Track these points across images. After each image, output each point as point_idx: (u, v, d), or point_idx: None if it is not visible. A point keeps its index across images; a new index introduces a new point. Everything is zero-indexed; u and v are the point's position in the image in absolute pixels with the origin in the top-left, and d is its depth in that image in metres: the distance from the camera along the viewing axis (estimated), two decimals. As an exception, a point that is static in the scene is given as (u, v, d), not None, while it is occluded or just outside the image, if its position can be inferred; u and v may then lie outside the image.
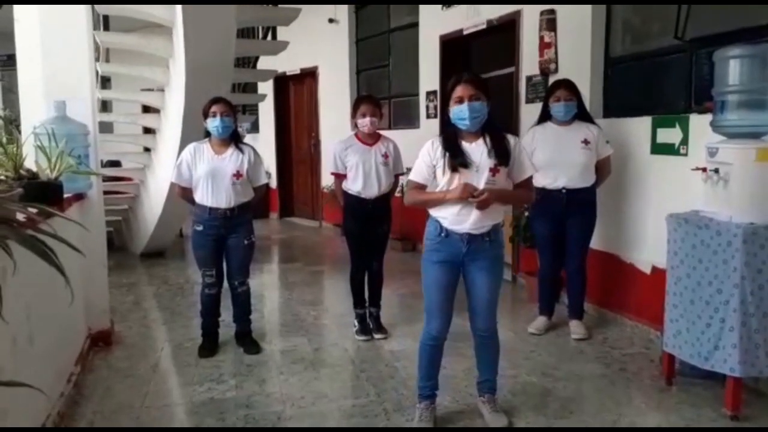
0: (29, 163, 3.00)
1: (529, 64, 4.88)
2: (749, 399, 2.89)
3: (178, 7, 4.41)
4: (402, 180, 4.49)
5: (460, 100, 2.51)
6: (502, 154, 2.54)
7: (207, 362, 3.57)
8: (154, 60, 5.66)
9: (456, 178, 2.53)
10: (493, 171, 2.52)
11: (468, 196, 2.45)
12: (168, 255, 6.71)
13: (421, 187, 2.65)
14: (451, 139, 2.57)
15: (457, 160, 2.52)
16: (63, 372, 3.00)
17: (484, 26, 5.38)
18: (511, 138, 2.63)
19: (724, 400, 2.78)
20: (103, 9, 5.12)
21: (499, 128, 2.63)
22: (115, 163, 7.30)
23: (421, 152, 2.64)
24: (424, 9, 6.38)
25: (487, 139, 2.55)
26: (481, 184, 2.50)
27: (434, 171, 2.59)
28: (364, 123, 3.78)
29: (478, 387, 2.83)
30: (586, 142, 3.70)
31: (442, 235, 2.58)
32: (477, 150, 2.55)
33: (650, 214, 3.77)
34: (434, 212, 2.63)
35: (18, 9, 3.65)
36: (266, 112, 9.40)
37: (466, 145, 2.56)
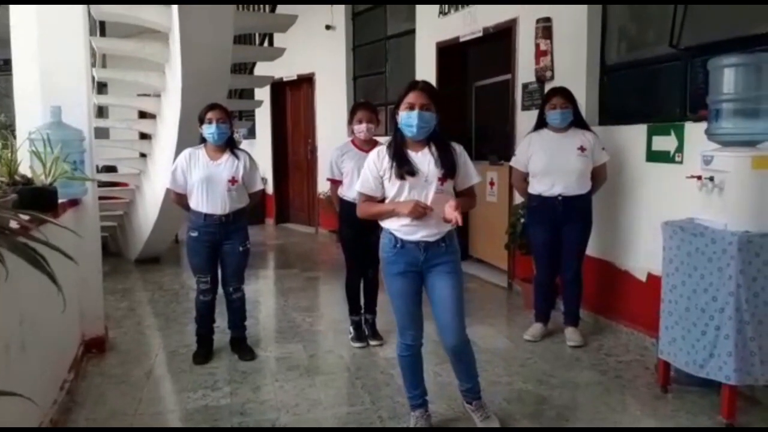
0: (24, 169, 2.98)
1: (525, 71, 4.90)
2: (745, 407, 2.89)
3: (175, 14, 4.41)
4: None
5: (411, 107, 2.49)
6: (448, 165, 2.55)
7: (201, 369, 3.55)
8: (151, 65, 5.66)
9: (405, 186, 2.53)
10: (441, 180, 2.54)
11: (417, 215, 2.45)
12: (163, 261, 6.69)
13: (371, 199, 2.63)
14: (398, 148, 2.56)
15: (404, 168, 2.51)
16: (56, 379, 2.98)
17: (481, 34, 5.40)
18: (456, 146, 2.63)
19: (720, 408, 2.78)
20: (99, 15, 5.11)
21: (443, 139, 2.61)
22: (111, 169, 7.28)
23: (366, 162, 2.64)
24: (421, 16, 6.40)
25: (433, 149, 2.56)
26: (430, 194, 2.51)
27: (381, 181, 2.58)
28: (361, 129, 3.78)
29: (463, 396, 2.80)
30: (582, 149, 3.71)
31: (398, 246, 2.57)
32: (424, 159, 2.55)
33: (645, 221, 3.78)
34: (386, 224, 2.62)
35: (14, 14, 3.65)
36: (263, 118, 9.40)
37: (412, 154, 2.55)
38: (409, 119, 2.50)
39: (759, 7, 3.25)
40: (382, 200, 2.63)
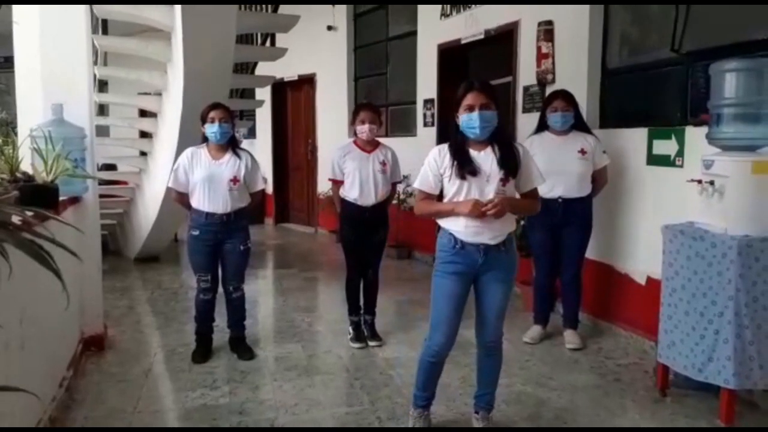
0: (25, 166, 2.98)
1: (526, 74, 4.90)
2: (743, 411, 2.90)
3: (178, 13, 4.42)
4: (399, 188, 4.50)
5: (471, 109, 2.45)
6: (511, 164, 2.49)
7: (200, 368, 3.55)
8: (153, 64, 5.66)
9: (465, 186, 2.48)
10: (503, 181, 2.48)
11: (477, 214, 2.39)
12: (162, 259, 6.69)
13: (429, 197, 2.59)
14: (459, 147, 2.51)
15: (466, 168, 2.46)
16: (55, 376, 2.98)
17: (482, 36, 5.41)
18: (519, 147, 2.58)
19: (718, 412, 2.79)
20: (102, 13, 5.12)
21: (507, 137, 2.58)
22: (111, 167, 7.28)
23: (427, 160, 2.57)
24: (422, 18, 6.41)
25: (496, 148, 2.50)
26: (491, 194, 2.45)
27: (441, 179, 2.53)
28: (363, 130, 3.79)
29: (475, 401, 2.76)
30: (583, 151, 3.72)
31: (458, 246, 2.50)
32: (486, 159, 2.50)
33: (645, 224, 3.79)
34: (446, 224, 2.55)
35: (17, 11, 3.65)
36: (263, 117, 9.41)
37: (474, 153, 2.50)
38: (470, 121, 2.45)
39: (760, 13, 3.26)
40: (440, 198, 2.58)
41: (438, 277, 2.58)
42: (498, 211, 2.38)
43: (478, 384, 2.76)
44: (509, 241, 2.57)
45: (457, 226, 2.50)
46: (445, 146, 2.58)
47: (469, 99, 2.46)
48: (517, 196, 2.59)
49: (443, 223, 2.57)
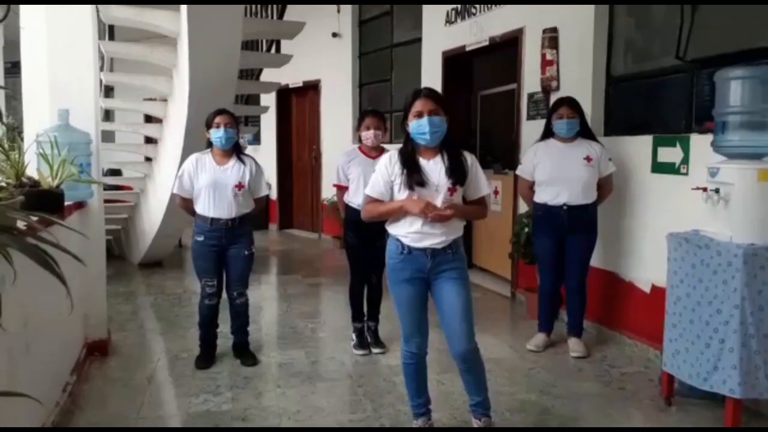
0: (31, 171, 3.00)
1: (530, 81, 4.91)
2: (749, 421, 2.88)
3: (184, 19, 4.44)
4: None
5: (419, 115, 2.48)
6: (459, 174, 2.54)
7: (203, 374, 3.55)
8: (158, 70, 5.69)
9: (414, 196, 2.50)
10: (451, 190, 2.52)
11: (427, 213, 2.43)
12: (166, 265, 6.70)
13: (377, 203, 2.61)
14: (409, 156, 2.55)
15: (414, 178, 2.50)
16: (59, 381, 2.98)
17: (487, 43, 5.42)
18: (468, 156, 2.62)
19: (724, 422, 2.76)
20: (108, 18, 5.15)
21: (456, 145, 2.60)
22: (116, 172, 7.31)
23: (377, 167, 2.62)
24: (427, 24, 6.43)
25: (445, 157, 2.54)
26: (438, 203, 2.49)
27: (391, 187, 2.56)
28: (368, 135, 3.80)
29: (472, 410, 2.73)
30: (588, 159, 3.71)
31: (405, 252, 2.55)
32: (435, 168, 2.53)
33: (650, 232, 3.77)
34: (394, 231, 2.59)
35: (24, 17, 3.67)
36: (268, 124, 9.43)
37: (423, 162, 2.54)
38: (420, 127, 2.49)
39: (766, 20, 3.25)
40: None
41: (392, 284, 2.63)
42: (447, 216, 2.44)
43: (468, 394, 2.72)
44: (456, 245, 2.60)
45: (403, 232, 2.54)
46: (395, 153, 2.60)
47: (417, 106, 2.50)
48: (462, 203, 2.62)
49: (391, 229, 2.61)
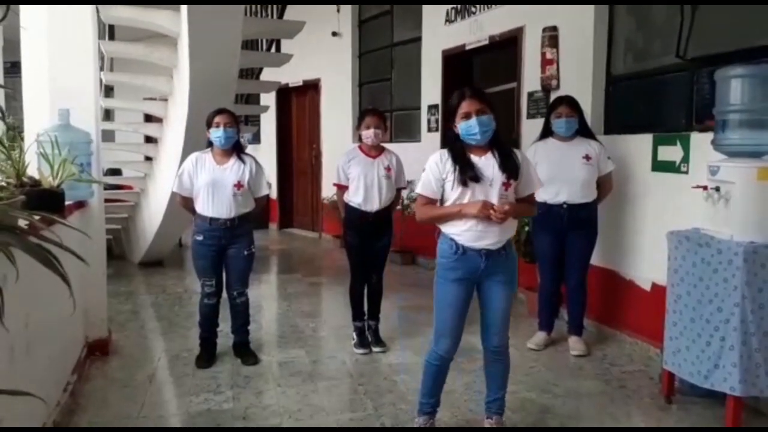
0: (32, 171, 3.00)
1: (530, 79, 4.91)
2: (749, 419, 2.88)
3: (184, 18, 4.43)
4: (404, 194, 4.49)
5: (467, 116, 2.46)
6: (512, 168, 2.51)
7: (204, 373, 3.55)
8: (158, 69, 5.69)
9: (467, 192, 2.47)
10: (506, 185, 2.49)
11: (487, 213, 2.40)
12: (166, 264, 6.70)
13: (431, 203, 2.58)
14: (460, 153, 2.51)
15: (468, 174, 2.46)
16: (59, 381, 2.98)
17: (487, 42, 5.42)
18: (518, 153, 2.59)
19: (724, 420, 2.77)
20: (108, 18, 5.15)
21: (506, 143, 2.58)
22: (116, 171, 7.31)
23: (428, 165, 2.56)
24: (427, 24, 6.43)
25: (496, 154, 2.51)
26: (494, 199, 2.46)
27: (443, 185, 2.52)
28: (368, 135, 3.80)
29: (486, 407, 2.74)
30: (587, 157, 3.71)
31: (459, 252, 2.50)
32: (488, 164, 2.50)
33: (650, 231, 3.77)
34: (447, 229, 2.54)
35: (24, 17, 3.67)
36: (268, 123, 9.43)
37: (475, 159, 2.50)
38: (469, 128, 2.46)
39: (765, 18, 3.25)
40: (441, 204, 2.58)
41: (440, 284, 2.57)
42: (507, 213, 2.41)
43: (488, 389, 2.74)
44: (510, 245, 2.59)
45: (459, 231, 2.50)
46: (444, 151, 2.57)
47: (464, 107, 2.48)
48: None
49: (444, 228, 2.56)
